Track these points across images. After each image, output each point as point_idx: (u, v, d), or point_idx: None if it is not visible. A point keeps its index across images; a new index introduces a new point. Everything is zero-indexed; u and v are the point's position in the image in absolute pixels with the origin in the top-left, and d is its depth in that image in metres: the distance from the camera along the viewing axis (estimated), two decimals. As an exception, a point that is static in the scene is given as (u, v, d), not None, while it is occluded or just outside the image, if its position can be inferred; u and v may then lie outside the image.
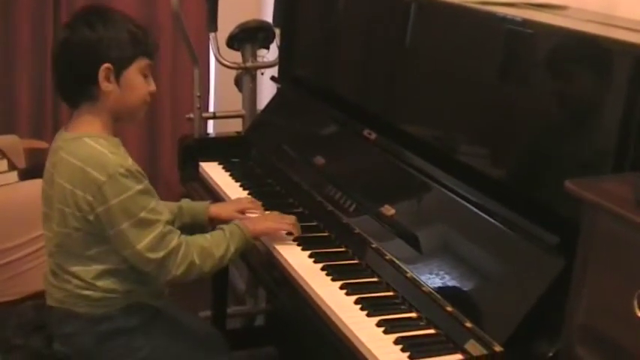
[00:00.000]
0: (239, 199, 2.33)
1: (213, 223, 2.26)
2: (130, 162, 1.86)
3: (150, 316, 2.00)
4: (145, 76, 1.94)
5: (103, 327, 1.93)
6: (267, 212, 2.21)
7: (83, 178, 1.84)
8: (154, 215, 1.86)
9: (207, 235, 1.97)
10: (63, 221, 1.89)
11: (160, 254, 1.85)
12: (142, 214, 1.84)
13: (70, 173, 1.86)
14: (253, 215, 2.22)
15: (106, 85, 1.87)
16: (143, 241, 1.84)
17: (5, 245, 2.84)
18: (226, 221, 2.22)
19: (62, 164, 1.88)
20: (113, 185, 1.82)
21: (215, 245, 1.94)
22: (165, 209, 1.94)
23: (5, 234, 2.84)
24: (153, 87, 1.96)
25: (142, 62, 1.92)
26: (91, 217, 1.85)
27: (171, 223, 2.07)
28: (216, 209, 2.25)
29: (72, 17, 1.96)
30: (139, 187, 1.85)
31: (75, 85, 1.91)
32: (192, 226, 2.24)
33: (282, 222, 2.06)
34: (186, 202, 2.25)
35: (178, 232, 1.92)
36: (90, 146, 1.86)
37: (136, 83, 1.92)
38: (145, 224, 1.84)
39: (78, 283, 1.91)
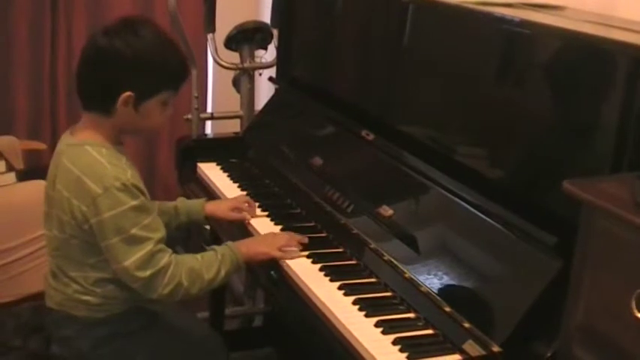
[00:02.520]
0: (235, 197, 2.33)
1: (209, 221, 2.26)
2: (128, 175, 1.83)
3: (148, 320, 1.99)
4: (165, 105, 1.90)
5: (102, 331, 1.93)
6: (263, 233, 2.13)
7: (80, 188, 1.82)
8: (146, 232, 1.82)
9: (199, 256, 1.92)
10: (61, 227, 1.88)
11: (147, 273, 1.82)
12: (134, 231, 1.81)
13: (68, 181, 1.85)
14: (246, 215, 2.22)
15: (123, 109, 1.84)
16: (131, 258, 1.81)
17: (3, 246, 2.84)
18: (222, 219, 2.22)
19: (62, 171, 1.87)
20: (107, 199, 1.79)
21: (206, 268, 1.90)
22: (159, 226, 1.89)
23: (3, 235, 2.84)
24: (169, 111, 1.93)
25: (165, 94, 1.88)
26: (86, 227, 1.84)
27: (166, 229, 2.06)
28: (211, 207, 2.24)
29: (115, 23, 1.88)
30: (134, 202, 1.81)
31: (95, 95, 1.88)
32: (189, 225, 2.24)
33: (276, 248, 1.99)
34: (181, 202, 2.24)
35: (170, 251, 1.87)
36: (90, 155, 1.84)
37: (154, 112, 1.89)
38: (135, 241, 1.81)
39: (77, 288, 1.91)
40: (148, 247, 1.82)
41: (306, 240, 2.03)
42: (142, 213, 1.83)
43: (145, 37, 1.84)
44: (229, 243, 2.00)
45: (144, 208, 1.84)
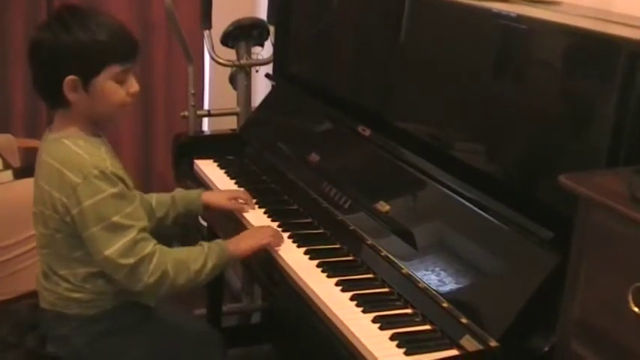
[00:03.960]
0: (232, 190, 2.34)
1: (206, 211, 2.27)
2: (106, 163, 1.82)
3: (142, 315, 1.99)
4: (120, 81, 1.87)
5: (95, 327, 1.92)
6: (247, 230, 2.15)
7: (59, 180, 1.82)
8: (127, 220, 1.81)
9: (185, 249, 1.93)
10: (45, 222, 1.88)
11: (131, 260, 1.80)
12: (115, 219, 1.80)
13: (48, 175, 1.85)
14: (244, 206, 2.25)
15: (73, 96, 1.83)
16: (113, 247, 1.80)
17: (0, 244, 2.83)
18: (218, 208, 2.24)
19: (43, 166, 1.87)
20: (87, 187, 1.79)
21: (192, 259, 1.89)
22: (142, 215, 1.88)
23: (0, 233, 2.83)
24: (134, 88, 1.90)
25: (113, 70, 1.84)
26: (68, 219, 1.83)
27: (161, 219, 2.12)
28: (208, 196, 2.26)
29: (45, 18, 1.91)
30: (113, 190, 1.81)
31: (45, 91, 1.89)
32: (187, 216, 2.24)
33: (264, 238, 2.01)
34: (178, 192, 2.25)
35: (154, 240, 1.86)
36: (68, 148, 1.84)
37: (108, 91, 1.85)
38: (117, 229, 1.80)
39: (67, 286, 1.91)
40: (131, 234, 1.81)
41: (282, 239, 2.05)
42: (123, 201, 1.83)
43: (70, 23, 1.83)
44: (218, 240, 2.00)
45: (124, 196, 1.83)
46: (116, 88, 1.87)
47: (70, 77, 1.81)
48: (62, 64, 1.82)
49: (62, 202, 1.82)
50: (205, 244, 1.95)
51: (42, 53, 1.85)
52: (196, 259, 1.89)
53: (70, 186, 1.80)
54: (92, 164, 1.81)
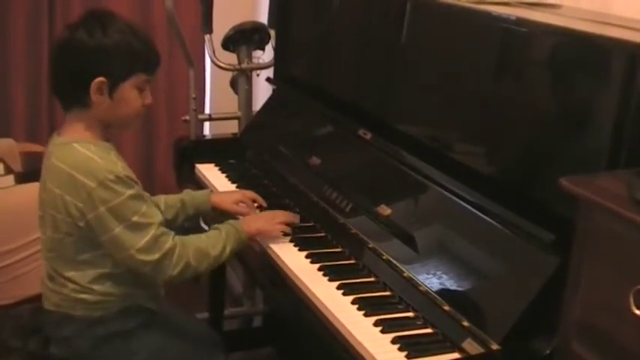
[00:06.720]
0: (241, 191, 2.35)
1: (215, 212, 2.28)
2: (119, 167, 1.85)
3: (146, 319, 2.00)
4: (141, 90, 1.91)
5: (100, 330, 1.93)
6: (261, 212, 2.24)
7: (72, 185, 1.83)
8: (146, 219, 1.85)
9: (203, 236, 1.98)
10: (55, 227, 1.89)
11: (156, 256, 1.85)
12: (135, 218, 1.84)
13: (59, 179, 1.86)
14: (249, 210, 2.25)
15: (98, 97, 1.85)
16: (138, 244, 1.84)
17: (2, 249, 2.84)
18: (226, 212, 2.25)
19: (52, 170, 1.88)
20: (103, 192, 1.81)
21: (211, 246, 1.95)
22: (157, 212, 1.93)
23: (1, 237, 2.83)
24: (149, 100, 1.94)
25: (139, 78, 1.89)
26: (82, 224, 1.85)
27: (170, 221, 2.14)
28: (217, 199, 2.27)
29: (77, 19, 1.92)
30: (130, 192, 1.84)
31: (67, 89, 1.90)
32: (196, 217, 2.29)
33: (275, 224, 2.08)
34: (187, 194, 2.27)
35: (172, 233, 1.91)
36: (79, 152, 1.85)
37: (130, 98, 1.89)
38: (139, 228, 1.84)
39: (74, 287, 1.91)
40: (152, 231, 1.85)
41: (298, 219, 2.13)
42: (139, 201, 1.86)
43: (107, 24, 1.86)
44: (232, 221, 2.05)
45: (140, 197, 1.87)
46: (137, 96, 1.90)
47: (100, 79, 1.83)
48: (94, 65, 1.84)
49: (77, 207, 1.83)
50: (222, 227, 2.01)
51: (74, 51, 1.86)
52: (215, 245, 1.96)
53: (84, 190, 1.82)
54: (106, 169, 1.82)
